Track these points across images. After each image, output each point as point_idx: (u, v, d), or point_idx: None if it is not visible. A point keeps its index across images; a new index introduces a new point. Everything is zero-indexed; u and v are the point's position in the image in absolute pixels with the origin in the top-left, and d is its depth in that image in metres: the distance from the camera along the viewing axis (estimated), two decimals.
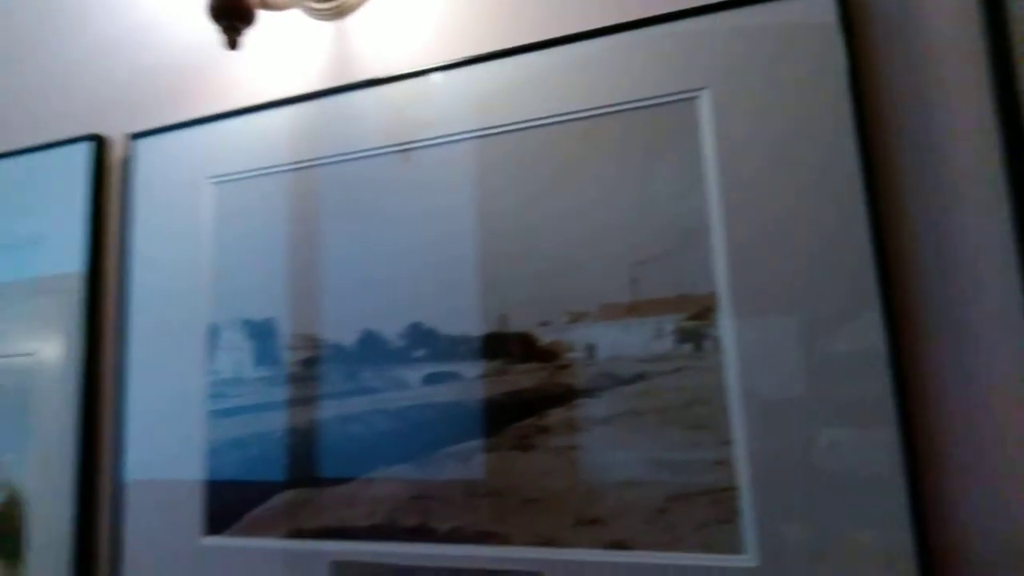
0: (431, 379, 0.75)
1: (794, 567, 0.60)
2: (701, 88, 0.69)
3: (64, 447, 0.88)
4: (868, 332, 0.60)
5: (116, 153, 0.96)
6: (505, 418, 0.71)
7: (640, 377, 0.67)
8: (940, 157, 0.62)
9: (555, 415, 0.69)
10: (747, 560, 0.61)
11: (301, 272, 0.82)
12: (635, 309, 0.68)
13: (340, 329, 0.79)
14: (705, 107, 0.68)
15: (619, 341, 0.68)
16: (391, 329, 0.77)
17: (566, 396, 0.69)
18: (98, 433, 0.90)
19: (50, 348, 0.92)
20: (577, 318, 0.70)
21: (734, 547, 0.61)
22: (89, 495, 0.88)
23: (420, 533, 0.73)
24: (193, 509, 0.82)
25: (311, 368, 0.80)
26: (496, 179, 0.75)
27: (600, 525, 0.66)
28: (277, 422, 0.80)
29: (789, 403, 0.62)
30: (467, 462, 0.72)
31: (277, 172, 0.85)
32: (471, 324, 0.74)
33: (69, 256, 0.94)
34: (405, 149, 0.79)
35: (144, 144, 0.93)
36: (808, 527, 0.60)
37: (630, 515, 0.65)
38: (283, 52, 0.89)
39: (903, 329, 0.61)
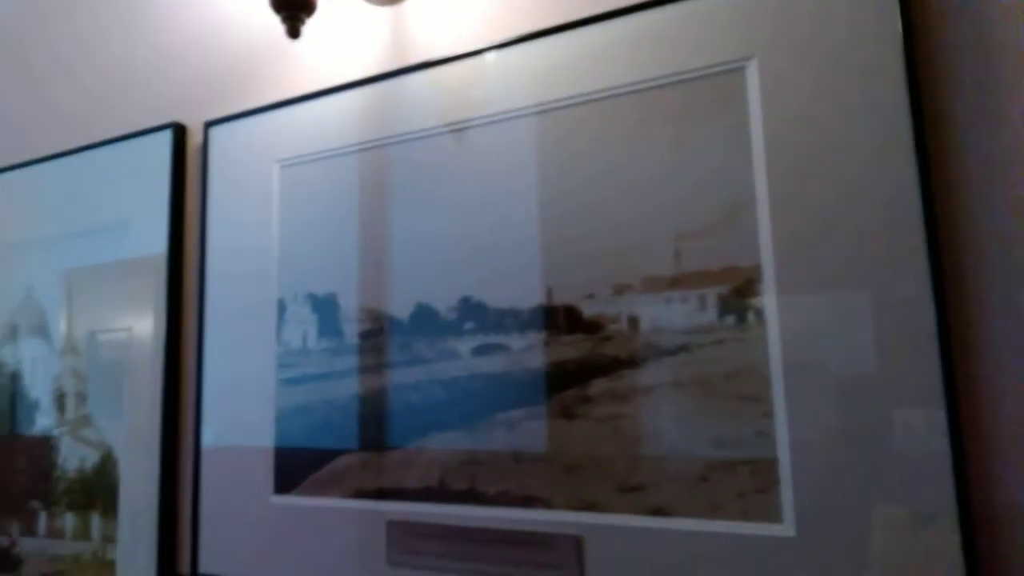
0: (480, 350, 0.78)
1: (832, 537, 0.60)
2: (748, 58, 0.68)
3: (152, 414, 0.97)
4: (917, 306, 0.59)
5: (194, 140, 1.03)
6: (551, 388, 0.73)
7: (683, 349, 0.68)
8: (999, 125, 0.60)
9: (599, 385, 0.71)
10: (785, 529, 0.61)
11: (360, 248, 0.86)
12: (678, 282, 0.69)
13: (396, 302, 0.83)
14: (752, 77, 0.68)
15: (662, 313, 0.69)
16: (443, 303, 0.80)
17: (610, 367, 0.71)
18: (181, 401, 0.97)
19: (142, 324, 1.00)
20: (621, 291, 0.71)
21: (772, 516, 0.62)
22: (172, 457, 0.96)
23: (469, 496, 0.76)
24: (263, 470, 0.89)
25: (369, 340, 0.84)
26: (543, 155, 0.77)
27: (641, 492, 0.68)
28: (338, 390, 0.85)
29: (832, 376, 0.61)
30: (514, 430, 0.74)
31: (339, 155, 0.89)
32: (519, 297, 0.76)
33: (155, 239, 1.02)
34: (458, 129, 0.82)
35: (218, 131, 0.99)
36: (847, 499, 0.59)
37: (670, 483, 0.67)
38: (343, 38, 0.93)
39: (953, 303, 0.59)
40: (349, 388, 0.85)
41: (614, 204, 0.73)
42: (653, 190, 0.71)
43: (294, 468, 0.87)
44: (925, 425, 0.58)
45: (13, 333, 1.14)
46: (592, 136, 0.75)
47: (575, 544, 0.70)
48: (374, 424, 0.82)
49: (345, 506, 0.83)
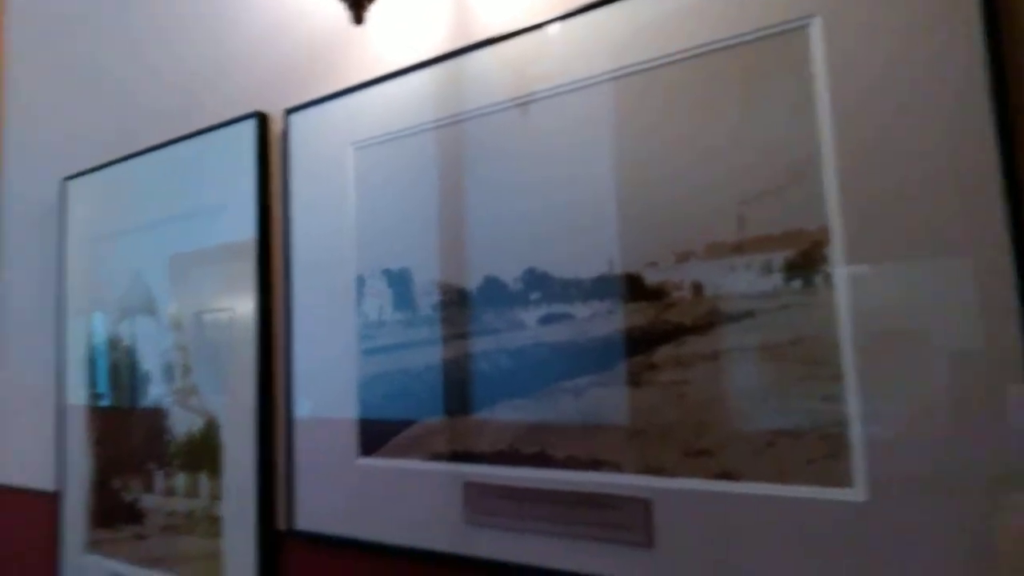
0: (546, 320, 0.80)
1: (901, 502, 0.59)
2: (810, 16, 0.66)
3: (249, 385, 1.05)
4: (995, 274, 0.56)
5: (275, 127, 1.09)
6: (615, 355, 0.75)
7: (748, 314, 0.68)
8: None
9: (663, 352, 0.72)
10: (854, 494, 0.61)
11: (430, 224, 0.90)
12: (743, 247, 0.69)
13: (465, 275, 0.86)
14: (816, 36, 0.66)
15: (726, 279, 0.69)
16: (509, 274, 0.83)
17: (674, 333, 0.72)
18: (274, 373, 1.05)
19: (239, 304, 1.08)
20: (684, 258, 0.72)
21: (842, 481, 0.61)
22: (268, 423, 1.04)
23: (540, 460, 0.79)
24: (349, 435, 0.95)
25: (440, 311, 0.88)
26: (607, 127, 0.77)
27: (708, 456, 0.69)
28: (413, 360, 0.90)
29: (903, 339, 0.60)
30: (580, 396, 0.77)
31: (410, 134, 0.93)
32: (582, 267, 0.78)
33: (244, 224, 1.09)
34: (525, 102, 0.84)
35: (296, 118, 1.05)
36: (917, 464, 0.58)
37: (738, 447, 0.67)
38: (408, 20, 0.96)
39: None
40: (423, 357, 0.89)
41: (678, 172, 0.73)
42: (717, 156, 0.70)
43: (376, 433, 0.93)
44: (1002, 388, 0.56)
45: (126, 312, 1.25)
46: (656, 104, 0.74)
47: (643, 506, 0.72)
48: (448, 391, 0.87)
49: (424, 468, 0.88)
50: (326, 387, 0.98)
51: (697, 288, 0.71)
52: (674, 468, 0.71)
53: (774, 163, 0.67)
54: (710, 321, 0.70)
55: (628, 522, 0.73)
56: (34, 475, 1.44)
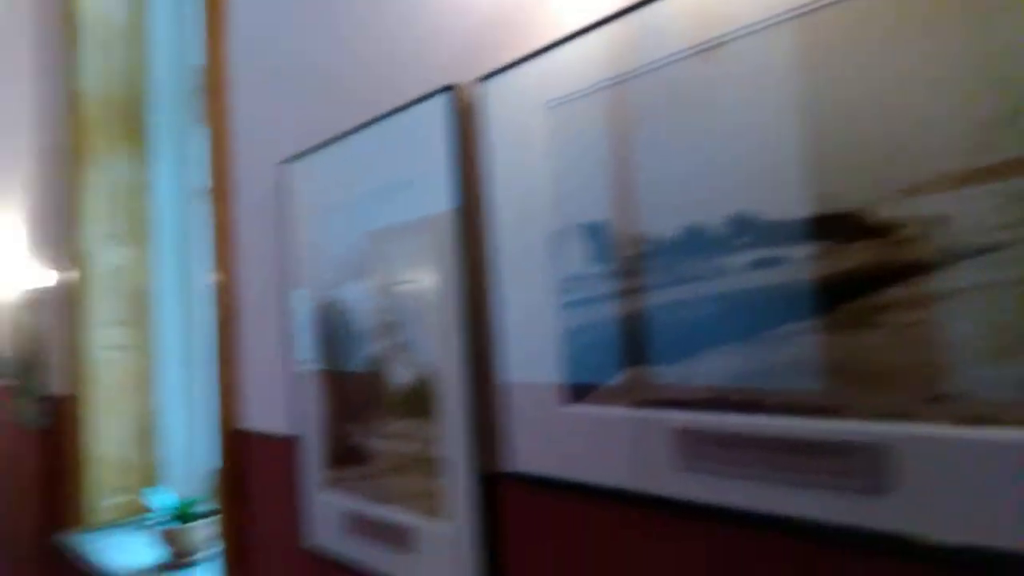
0: (756, 264, 0.78)
1: None
2: None
3: (456, 340, 1.13)
4: None
5: (465, 97, 1.16)
6: (835, 298, 0.72)
7: (990, 248, 0.62)
8: None
9: (891, 293, 0.68)
10: None
11: (624, 175, 0.91)
12: (979, 175, 0.63)
13: (663, 223, 0.87)
14: None
15: (963, 210, 0.63)
16: (712, 219, 0.82)
17: (903, 273, 0.67)
18: (481, 328, 1.13)
19: (445, 267, 1.16)
20: (912, 192, 0.67)
21: None
22: (478, 374, 1.12)
23: (753, 406, 0.79)
24: (553, 384, 1.00)
25: (639, 261, 0.89)
26: (816, 53, 0.73)
27: (949, 401, 0.65)
28: (613, 310, 0.92)
29: None
30: (796, 341, 0.75)
31: (600, 88, 0.94)
32: (794, 206, 0.75)
33: (436, 199, 1.17)
34: (714, 46, 0.81)
35: (486, 86, 1.10)
36: None
37: (987, 391, 0.62)
38: None
39: None
40: (623, 307, 0.91)
41: (884, 95, 0.67)
42: (930, 74, 0.64)
43: (580, 382, 0.97)
44: None
45: (341, 280, 1.40)
46: (857, 24, 0.69)
47: (874, 453, 0.69)
48: (649, 340, 0.88)
49: (629, 415, 0.91)
50: (529, 340, 1.04)
51: (928, 223, 0.66)
52: (911, 413, 0.67)
53: (1018, 78, 0.60)
54: (945, 258, 0.65)
55: (855, 470, 0.71)
56: (276, 422, 1.67)
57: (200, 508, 2.56)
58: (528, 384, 1.04)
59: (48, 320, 3.63)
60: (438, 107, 1.18)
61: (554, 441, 1.00)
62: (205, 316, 3.03)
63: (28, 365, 4.04)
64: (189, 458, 3.11)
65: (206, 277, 3.02)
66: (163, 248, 3.13)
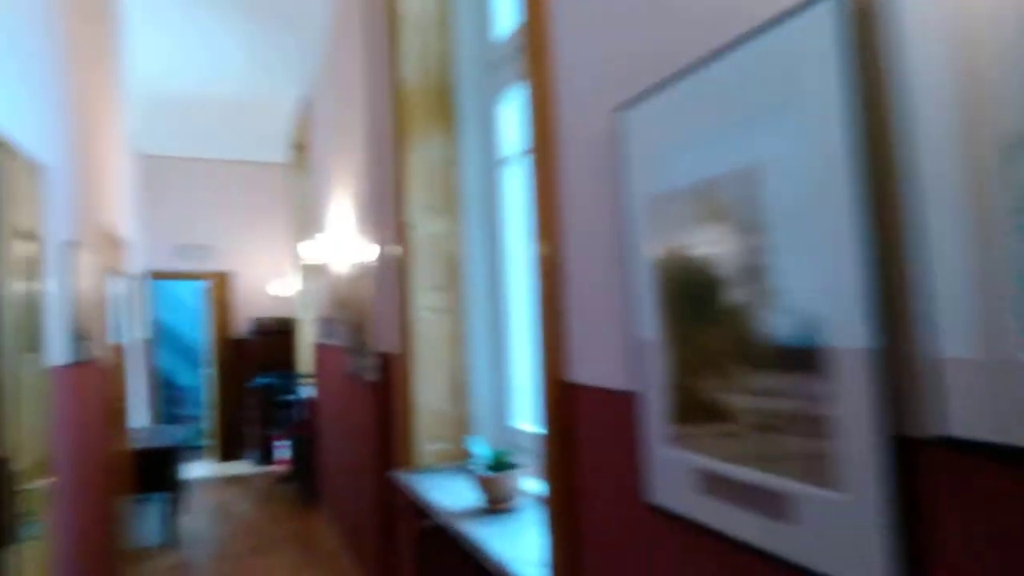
0: None
1: None
2: None
3: (853, 280, 0.97)
4: None
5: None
6: None
7: None
8: None
9: None
10: None
11: None
12: None
13: None
14: None
15: None
16: None
17: None
18: (894, 263, 0.95)
19: (813, 213, 1.00)
20: None
21: None
22: (892, 328, 0.94)
23: None
24: (1009, 328, 0.79)
25: None
26: None
27: None
28: None
29: None
30: None
31: None
32: None
33: (824, 128, 1.00)
34: None
35: None
36: None
37: None
38: None
39: None
40: None
41: None
42: None
43: None
44: None
45: (688, 226, 1.31)
46: None
47: None
48: None
49: None
50: (969, 277, 0.84)
51: None
52: None
53: None
54: None
55: None
56: (609, 376, 1.66)
57: (512, 459, 2.72)
58: (966, 334, 0.84)
59: (377, 287, 4.19)
60: (824, 16, 1.01)
61: (1016, 401, 0.80)
62: (511, 279, 3.21)
63: (359, 328, 4.73)
64: (495, 413, 3.35)
65: (514, 242, 3.18)
66: (471, 217, 3.38)
